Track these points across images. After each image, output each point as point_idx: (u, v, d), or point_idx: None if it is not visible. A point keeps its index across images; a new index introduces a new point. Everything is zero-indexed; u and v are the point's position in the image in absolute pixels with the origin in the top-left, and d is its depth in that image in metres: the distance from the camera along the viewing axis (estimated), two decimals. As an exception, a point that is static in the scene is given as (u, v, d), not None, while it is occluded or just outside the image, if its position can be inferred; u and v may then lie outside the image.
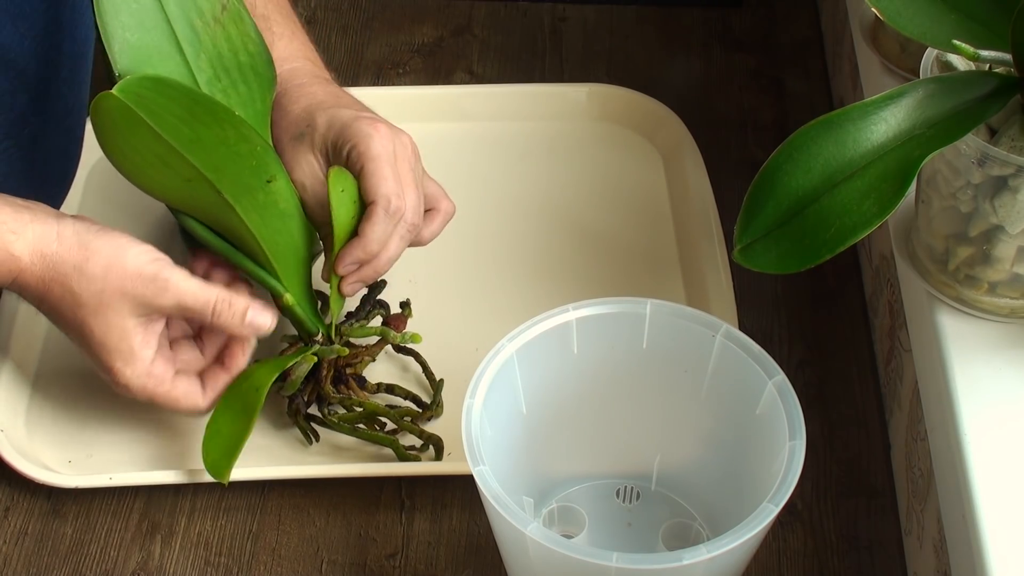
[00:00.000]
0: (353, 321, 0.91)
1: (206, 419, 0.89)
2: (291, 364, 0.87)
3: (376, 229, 0.86)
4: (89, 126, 0.97)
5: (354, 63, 1.21)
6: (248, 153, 0.84)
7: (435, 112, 1.13)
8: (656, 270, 1.01)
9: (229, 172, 0.83)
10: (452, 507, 0.89)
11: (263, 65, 0.89)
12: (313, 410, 0.91)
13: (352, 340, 0.91)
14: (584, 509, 0.85)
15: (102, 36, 0.83)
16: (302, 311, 0.88)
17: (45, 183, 0.93)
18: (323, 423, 0.90)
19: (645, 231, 1.04)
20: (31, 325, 0.96)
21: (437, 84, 1.19)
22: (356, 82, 1.19)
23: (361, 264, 0.87)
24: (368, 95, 1.12)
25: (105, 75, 0.84)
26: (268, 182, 0.85)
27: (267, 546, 0.87)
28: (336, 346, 0.89)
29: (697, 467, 0.85)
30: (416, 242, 0.89)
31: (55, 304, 0.81)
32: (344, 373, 0.90)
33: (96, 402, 0.93)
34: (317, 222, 0.89)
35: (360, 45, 1.23)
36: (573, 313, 0.79)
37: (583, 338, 0.80)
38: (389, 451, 0.90)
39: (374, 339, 0.92)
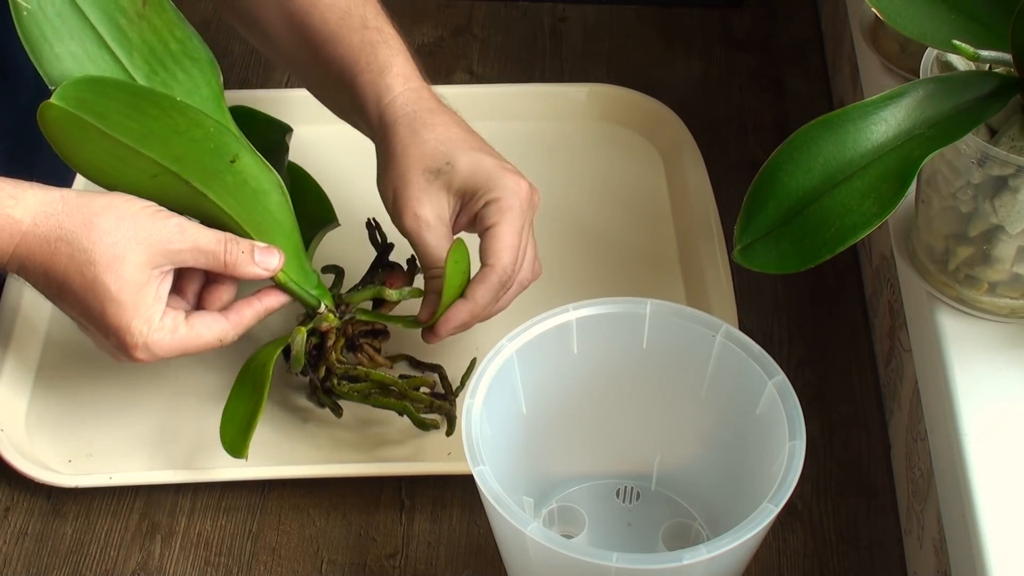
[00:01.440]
0: (361, 286, 0.90)
1: (209, 418, 0.89)
2: (289, 340, 0.87)
3: (486, 295, 0.85)
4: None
5: (354, 63, 1.21)
6: (203, 137, 0.83)
7: (435, 112, 1.13)
8: (656, 270, 1.01)
9: (190, 160, 0.82)
10: (452, 507, 0.89)
11: (195, 48, 0.88)
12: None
13: (363, 309, 0.90)
14: (584, 509, 0.85)
15: (29, 55, 0.82)
16: (296, 286, 0.86)
17: (47, 183, 0.93)
18: (333, 394, 0.89)
19: (645, 231, 1.04)
20: (32, 324, 0.96)
21: (437, 84, 1.18)
22: (356, 82, 1.19)
23: (463, 322, 0.86)
24: (368, 95, 1.13)
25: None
26: (232, 162, 0.84)
27: (267, 546, 0.87)
28: (327, 314, 0.87)
29: (697, 467, 0.85)
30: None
31: (62, 269, 0.79)
32: (358, 342, 0.90)
33: (96, 401, 0.93)
34: (426, 262, 0.86)
35: (360, 45, 1.23)
36: (573, 313, 0.79)
37: (583, 338, 0.80)
38: (389, 451, 0.90)
39: (375, 304, 0.91)
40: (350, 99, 0.90)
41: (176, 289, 0.85)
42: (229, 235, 0.83)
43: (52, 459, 0.90)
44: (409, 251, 0.88)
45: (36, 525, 0.88)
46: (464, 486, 0.87)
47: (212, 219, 0.84)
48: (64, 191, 0.81)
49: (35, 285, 0.82)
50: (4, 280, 0.98)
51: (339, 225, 0.95)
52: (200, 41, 0.89)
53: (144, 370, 0.94)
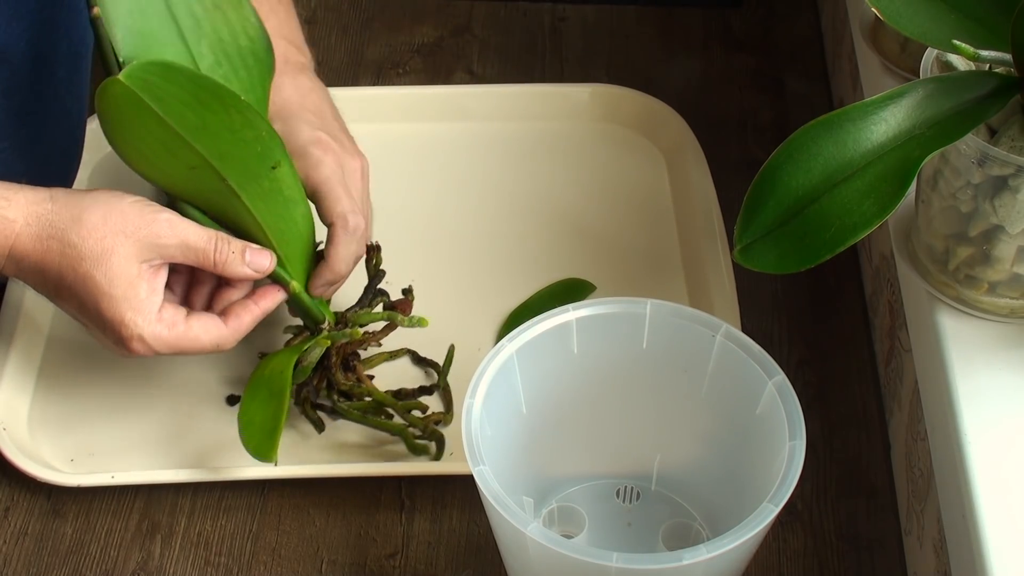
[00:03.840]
0: (358, 308, 0.91)
1: (210, 417, 0.89)
2: (305, 348, 0.87)
3: (339, 250, 0.87)
4: (89, 127, 0.97)
5: (354, 63, 1.21)
6: (254, 139, 0.84)
7: (435, 112, 1.13)
8: (658, 270, 1.01)
9: (234, 159, 0.83)
10: (452, 507, 0.89)
11: (263, 50, 0.88)
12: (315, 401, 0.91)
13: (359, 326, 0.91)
14: (584, 509, 0.85)
15: (105, 23, 0.81)
16: (308, 299, 0.88)
17: (44, 184, 0.93)
18: (331, 412, 0.90)
19: (647, 231, 1.04)
20: (35, 322, 0.96)
21: (437, 84, 1.19)
22: (356, 82, 1.19)
23: (332, 284, 0.88)
24: (368, 95, 1.13)
25: (104, 68, 0.83)
26: (273, 168, 0.84)
27: (267, 546, 0.87)
28: (348, 329, 0.88)
29: (697, 467, 0.85)
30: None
31: (55, 267, 0.80)
32: (351, 361, 0.90)
33: (98, 400, 0.93)
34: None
35: (360, 45, 1.23)
36: (573, 313, 0.79)
37: (583, 338, 0.80)
38: (389, 451, 0.90)
39: (380, 325, 0.91)
40: None
41: (186, 297, 0.85)
42: (220, 234, 0.83)
43: (54, 458, 0.90)
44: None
45: (36, 525, 0.88)
46: (464, 486, 0.87)
47: (237, 222, 0.84)
48: (54, 190, 0.81)
49: (33, 286, 0.83)
50: (6, 280, 0.98)
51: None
52: (269, 44, 0.89)
53: (146, 369, 0.94)
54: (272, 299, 0.86)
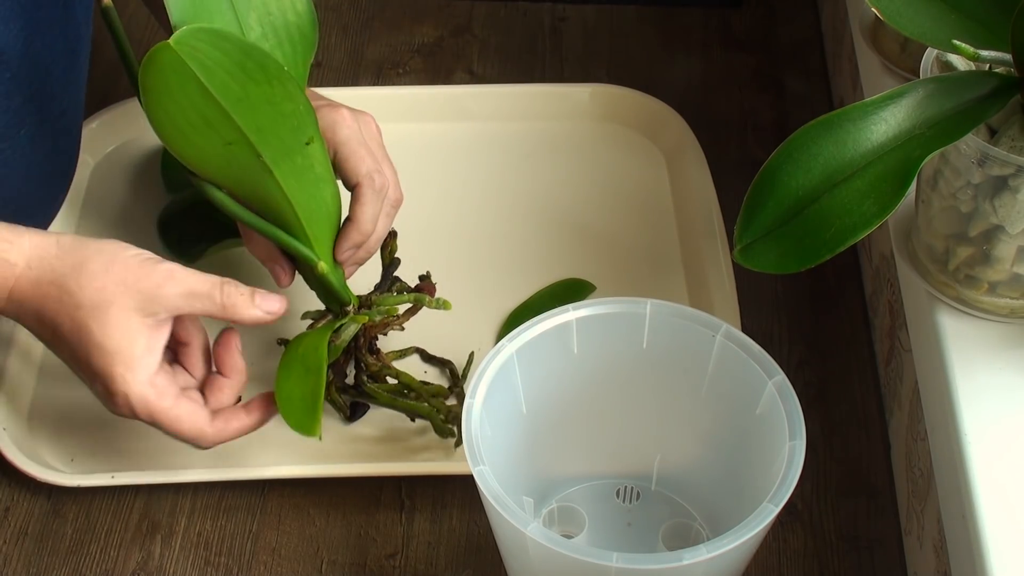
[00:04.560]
0: (378, 293, 0.90)
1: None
2: (339, 325, 0.86)
3: (367, 209, 0.86)
4: (89, 127, 0.97)
5: (354, 63, 1.21)
6: (291, 112, 0.82)
7: (435, 112, 1.13)
8: (659, 270, 1.01)
9: (271, 133, 0.81)
10: (452, 507, 0.89)
11: (308, 26, 0.87)
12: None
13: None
14: (584, 509, 0.85)
15: None
16: (336, 280, 0.86)
17: (43, 185, 0.93)
18: (356, 397, 0.90)
19: (648, 231, 1.04)
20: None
21: (437, 84, 1.19)
22: (356, 82, 1.19)
23: (358, 246, 0.87)
24: (368, 95, 1.13)
25: (121, 59, 0.82)
26: (307, 144, 0.83)
27: (267, 546, 0.87)
28: (383, 306, 0.87)
29: (697, 467, 0.85)
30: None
31: (52, 313, 0.78)
32: (374, 344, 0.90)
33: (99, 401, 0.93)
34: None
35: (360, 45, 1.23)
36: (573, 313, 0.79)
37: (583, 338, 0.80)
38: (389, 451, 0.90)
39: (403, 309, 0.91)
40: None
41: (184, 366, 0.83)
42: (226, 279, 0.81)
43: (54, 458, 0.90)
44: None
45: (36, 525, 0.88)
46: (464, 486, 0.87)
47: (268, 201, 0.83)
48: (61, 235, 0.80)
49: (31, 330, 0.81)
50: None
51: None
52: (315, 21, 0.87)
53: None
54: (266, 413, 0.83)
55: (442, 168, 1.10)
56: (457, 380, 0.94)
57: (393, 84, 1.19)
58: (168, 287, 0.78)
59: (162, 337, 0.79)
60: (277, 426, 0.91)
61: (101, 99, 1.11)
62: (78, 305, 0.77)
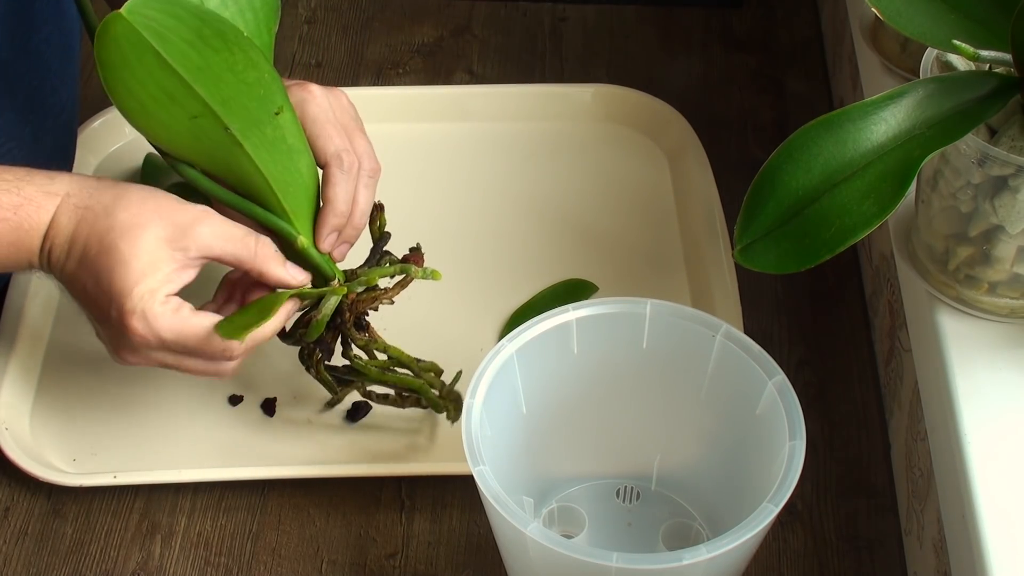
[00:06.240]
0: (366, 267, 0.88)
1: (211, 418, 0.89)
2: (317, 295, 0.83)
3: (338, 190, 0.84)
4: (88, 127, 0.98)
5: (354, 63, 1.21)
6: (256, 81, 0.80)
7: (435, 112, 1.13)
8: (661, 270, 1.01)
9: (237, 104, 0.79)
10: (452, 507, 0.89)
11: None
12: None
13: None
14: (584, 509, 0.85)
15: None
16: (317, 254, 0.84)
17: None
18: (345, 375, 0.88)
19: (649, 231, 1.04)
20: (37, 322, 0.96)
21: (437, 84, 1.19)
22: (356, 82, 1.19)
23: (338, 229, 0.85)
24: (368, 95, 1.13)
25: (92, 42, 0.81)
26: (276, 114, 0.81)
27: (267, 546, 0.87)
28: (366, 277, 0.85)
29: (697, 467, 0.85)
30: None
31: (84, 237, 0.77)
32: (363, 320, 0.87)
33: (101, 401, 0.93)
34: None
35: (360, 45, 1.24)
36: (573, 313, 0.79)
37: (583, 338, 0.80)
38: (389, 451, 0.90)
39: (392, 282, 0.88)
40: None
41: None
42: (261, 234, 0.81)
43: (56, 458, 0.90)
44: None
45: (36, 525, 0.88)
46: (464, 486, 0.87)
47: (240, 174, 0.81)
48: (100, 176, 0.79)
49: (57, 263, 0.80)
50: (8, 280, 0.98)
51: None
52: None
53: (148, 369, 0.94)
54: (286, 312, 0.82)
55: (442, 169, 1.10)
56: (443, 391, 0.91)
57: (393, 84, 1.19)
58: (203, 225, 0.78)
59: (186, 277, 0.79)
60: (276, 427, 0.92)
61: (101, 99, 1.10)
62: (110, 227, 0.77)
